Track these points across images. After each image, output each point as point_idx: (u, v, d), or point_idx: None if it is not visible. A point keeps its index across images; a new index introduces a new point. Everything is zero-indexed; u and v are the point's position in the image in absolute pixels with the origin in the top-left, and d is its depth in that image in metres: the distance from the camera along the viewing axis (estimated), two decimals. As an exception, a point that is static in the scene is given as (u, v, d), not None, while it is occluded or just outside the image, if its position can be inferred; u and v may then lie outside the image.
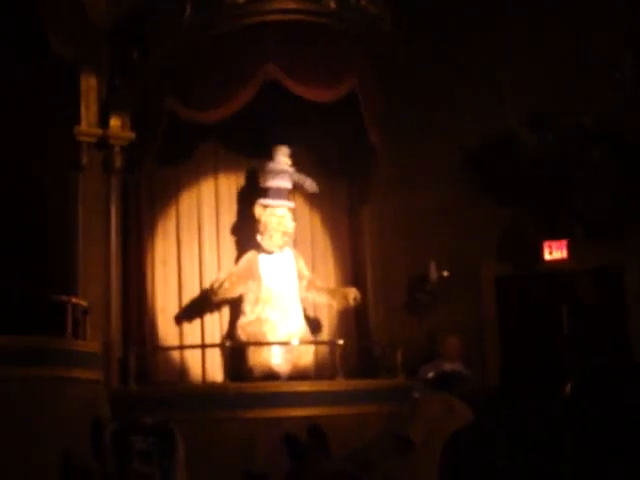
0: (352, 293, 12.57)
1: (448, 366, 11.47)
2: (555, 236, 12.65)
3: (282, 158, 12.61)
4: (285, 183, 12.62)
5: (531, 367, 12.04)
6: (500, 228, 12.90)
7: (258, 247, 12.48)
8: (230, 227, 13.04)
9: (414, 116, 13.05)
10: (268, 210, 12.45)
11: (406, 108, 12.96)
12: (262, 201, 12.55)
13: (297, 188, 12.90)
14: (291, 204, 12.74)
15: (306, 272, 12.77)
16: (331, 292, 12.78)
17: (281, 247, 12.47)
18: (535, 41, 12.79)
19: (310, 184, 12.79)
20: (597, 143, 12.24)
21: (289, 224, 12.54)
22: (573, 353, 12.02)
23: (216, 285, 12.06)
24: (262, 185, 12.65)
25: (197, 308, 12.62)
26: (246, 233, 12.75)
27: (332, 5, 11.60)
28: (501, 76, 12.87)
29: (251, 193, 12.96)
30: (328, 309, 13.20)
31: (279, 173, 12.58)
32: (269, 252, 12.45)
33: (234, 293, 12.27)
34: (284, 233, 12.45)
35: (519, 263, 12.82)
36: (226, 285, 12.07)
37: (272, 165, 12.59)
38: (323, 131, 12.88)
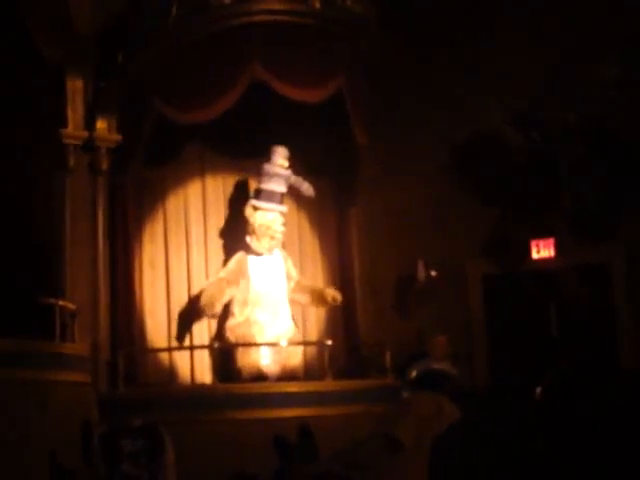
0: (330, 294, 12.56)
1: (436, 365, 11.47)
2: (542, 234, 12.67)
3: (279, 160, 12.52)
4: (280, 187, 12.54)
5: (519, 366, 12.05)
6: (487, 227, 12.91)
7: (247, 248, 12.47)
8: (218, 229, 13.03)
9: (400, 116, 13.06)
10: (259, 212, 12.41)
11: (392, 108, 12.97)
12: (254, 202, 12.50)
13: (292, 191, 12.84)
14: (283, 208, 12.67)
15: (294, 274, 12.77)
16: (312, 292, 12.77)
17: (269, 250, 12.45)
18: (520, 40, 12.80)
19: (307, 188, 12.68)
20: (582, 141, 12.27)
21: (278, 228, 12.48)
22: (561, 351, 12.04)
23: (206, 302, 12.09)
24: (256, 186, 12.62)
25: (185, 310, 12.61)
26: (234, 235, 12.74)
27: (317, 5, 11.61)
28: (486, 75, 12.88)
29: (240, 195, 12.96)
30: (316, 310, 13.22)
31: (275, 176, 12.51)
32: (258, 254, 12.44)
33: (224, 300, 12.27)
34: (272, 237, 12.40)
35: (506, 262, 12.84)
36: (217, 307, 12.13)
37: (268, 167, 12.50)
38: (309, 132, 12.88)
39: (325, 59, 11.90)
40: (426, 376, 6.84)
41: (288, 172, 12.56)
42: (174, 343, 12.48)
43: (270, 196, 12.47)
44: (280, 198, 12.59)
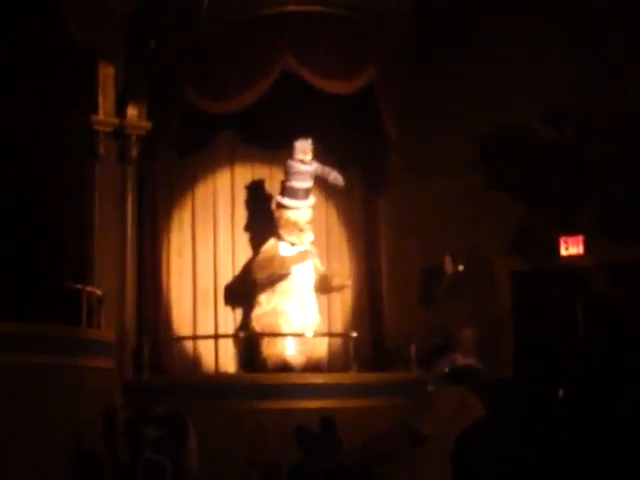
0: (344, 280, 12.56)
1: (461, 360, 11.43)
2: (572, 231, 12.59)
3: (300, 155, 12.46)
4: (305, 183, 12.50)
5: (545, 362, 11.99)
6: (517, 222, 12.84)
7: (279, 236, 12.45)
8: (245, 218, 13.04)
9: (432, 108, 13.01)
10: (286, 210, 12.39)
11: (423, 99, 12.92)
12: (280, 200, 12.49)
13: (321, 181, 12.80)
14: (310, 202, 12.61)
15: (319, 266, 12.74)
16: (324, 279, 12.68)
17: (301, 242, 12.43)
18: (554, 35, 12.72)
19: (335, 177, 12.61)
20: (614, 139, 12.18)
21: (306, 224, 12.47)
22: (588, 348, 11.96)
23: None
24: (282, 183, 12.60)
25: (211, 298, 12.64)
26: (262, 224, 12.74)
27: (350, -4, 11.59)
28: (519, 71, 12.81)
29: (268, 185, 12.96)
30: (342, 302, 13.21)
31: (298, 173, 12.48)
32: (290, 242, 12.42)
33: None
34: (300, 230, 12.39)
35: (535, 258, 12.77)
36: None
37: (291, 164, 12.46)
38: (338, 123, 12.86)
39: (357, 51, 11.86)
40: (456, 371, 6.81)
41: (312, 165, 12.50)
42: (199, 331, 12.49)
43: (295, 193, 12.43)
44: (305, 193, 12.54)
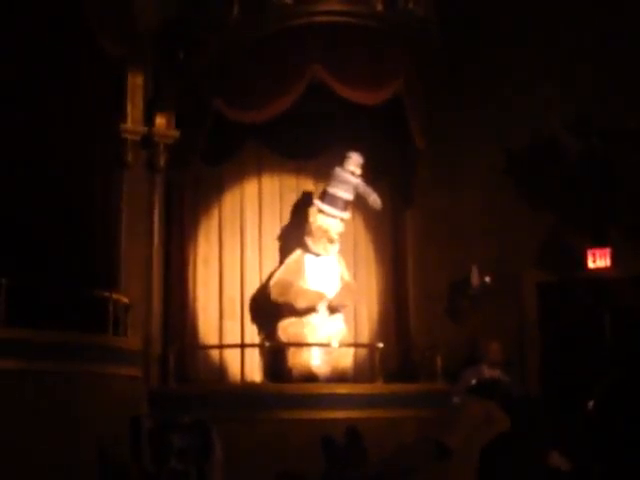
0: (335, 298, 12.52)
1: (488, 372, 11.40)
2: (599, 244, 12.53)
3: (351, 166, 12.48)
4: (347, 194, 12.51)
5: (572, 376, 11.93)
6: (543, 234, 12.80)
7: (305, 247, 12.47)
8: (273, 229, 13.05)
9: (459, 119, 13.00)
10: (322, 216, 12.40)
11: (452, 112, 12.90)
12: (320, 205, 12.49)
13: (359, 200, 12.75)
14: (346, 215, 12.64)
15: (346, 276, 12.74)
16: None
17: (327, 252, 12.44)
18: (581, 44, 12.69)
19: (374, 199, 12.49)
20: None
21: (336, 234, 12.48)
22: (616, 362, 11.89)
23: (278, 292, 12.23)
24: (325, 189, 12.62)
25: (238, 307, 12.66)
26: (289, 235, 12.76)
27: (379, 7, 11.57)
28: (545, 80, 12.78)
29: (295, 196, 12.97)
30: (368, 312, 13.20)
31: (344, 182, 12.47)
32: (315, 254, 12.43)
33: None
34: (329, 240, 12.41)
35: (562, 270, 12.71)
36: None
37: (340, 172, 12.47)
38: (366, 133, 12.86)
39: (385, 61, 11.85)
40: (479, 383, 6.81)
41: (358, 180, 12.50)
42: (225, 340, 12.51)
43: (335, 201, 12.45)
44: (344, 205, 12.55)
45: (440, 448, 5.22)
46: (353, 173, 12.47)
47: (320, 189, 12.91)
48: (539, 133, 12.74)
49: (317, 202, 12.53)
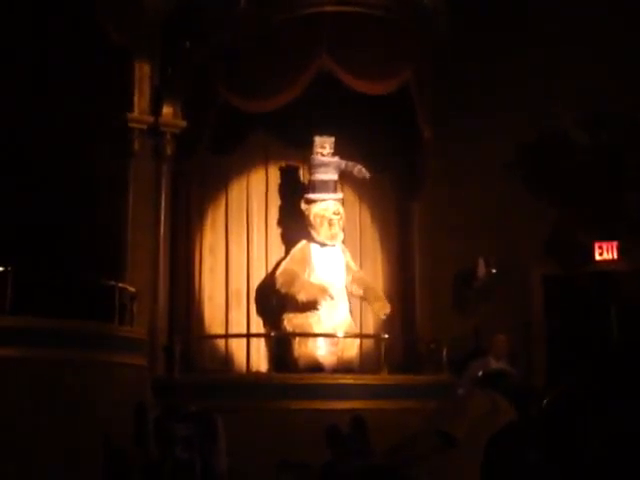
0: (384, 309, 12.46)
1: (494, 364, 11.39)
2: (606, 237, 12.51)
3: (319, 149, 12.53)
4: (330, 175, 12.55)
5: (577, 367, 11.90)
6: (551, 227, 12.78)
7: (310, 237, 12.46)
8: (279, 217, 13.04)
9: (467, 113, 12.97)
10: (314, 205, 12.42)
11: (460, 103, 12.88)
12: (307, 196, 12.54)
13: (346, 177, 12.84)
14: (338, 195, 12.68)
15: (353, 266, 12.73)
16: (366, 289, 12.64)
17: (331, 238, 12.41)
18: (591, 40, 12.65)
19: (359, 170, 12.63)
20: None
21: (334, 215, 12.46)
22: (621, 354, 11.85)
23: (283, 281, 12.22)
24: (309, 179, 12.63)
25: (244, 297, 12.66)
26: (295, 224, 12.74)
27: (388, -3, 11.56)
28: (554, 74, 12.74)
29: (301, 184, 12.96)
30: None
31: (323, 165, 12.53)
32: (321, 244, 12.43)
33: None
34: (330, 224, 12.38)
35: (569, 263, 12.69)
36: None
37: (315, 158, 12.54)
38: (373, 123, 12.84)
39: (393, 52, 11.83)
40: (485, 374, 6.79)
41: (335, 159, 12.55)
42: (231, 330, 12.51)
43: (322, 186, 12.48)
44: (334, 186, 12.58)
45: (445, 438, 5.20)
46: (324, 154, 12.49)
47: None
48: (548, 127, 12.71)
49: (306, 195, 12.54)
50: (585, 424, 2.35)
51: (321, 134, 12.59)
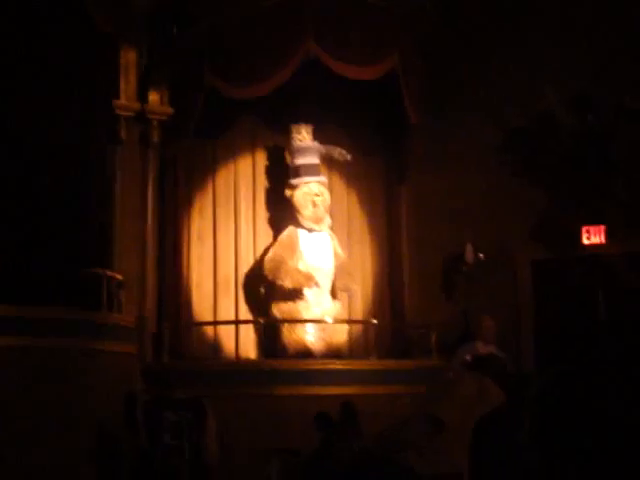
0: (339, 281, 12.50)
1: (482, 349, 11.41)
2: (593, 221, 12.52)
3: (298, 135, 12.55)
4: (312, 159, 12.53)
5: (566, 351, 11.95)
6: (538, 211, 12.78)
7: (297, 223, 12.44)
8: (266, 204, 13.02)
9: (455, 96, 12.95)
10: (297, 189, 12.40)
11: (447, 87, 12.86)
12: (291, 181, 12.51)
13: (328, 161, 12.85)
14: (322, 178, 12.65)
15: (340, 252, 12.71)
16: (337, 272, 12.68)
17: (316, 221, 12.38)
18: (577, 23, 12.65)
19: (339, 153, 12.64)
20: (637, 125, 12.09)
21: (320, 197, 12.44)
22: (609, 338, 11.91)
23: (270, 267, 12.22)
24: (290, 165, 12.61)
25: (232, 284, 12.65)
26: (283, 210, 12.71)
27: (375, -18, 11.53)
28: (541, 56, 12.73)
29: (288, 170, 12.95)
30: (363, 288, 13.20)
31: (302, 150, 12.52)
32: (308, 229, 12.41)
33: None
34: (314, 204, 12.34)
35: (556, 247, 12.70)
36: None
37: (295, 144, 12.55)
38: (360, 108, 12.84)
39: (379, 37, 11.82)
40: (474, 359, 6.81)
41: (315, 144, 12.55)
42: (220, 317, 12.50)
43: (304, 170, 12.45)
44: (315, 169, 12.57)
45: (434, 422, 5.22)
46: (302, 140, 12.52)
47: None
48: (535, 111, 12.70)
49: (289, 180, 12.52)
50: (574, 408, 2.34)
51: (307, 119, 12.58)
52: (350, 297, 12.81)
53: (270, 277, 12.20)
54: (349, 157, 12.68)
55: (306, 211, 12.31)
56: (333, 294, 12.41)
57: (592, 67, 12.43)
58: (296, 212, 12.38)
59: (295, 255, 12.27)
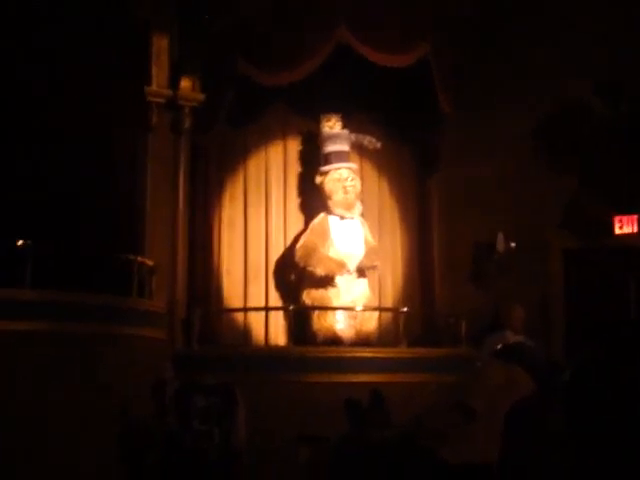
0: (365, 259, 12.49)
1: (512, 338, 11.36)
2: (626, 210, 12.45)
3: (328, 124, 12.61)
4: (342, 146, 12.55)
5: (596, 341, 11.87)
6: (571, 200, 12.72)
7: (328, 210, 12.44)
8: (297, 191, 13.03)
9: (487, 85, 12.90)
10: (328, 175, 12.41)
11: (479, 76, 12.81)
12: (321, 168, 12.53)
13: (359, 149, 12.87)
14: (351, 165, 12.65)
15: (371, 240, 12.70)
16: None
17: (348, 207, 12.38)
18: (613, 8, 12.55)
19: (369, 141, 12.72)
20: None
21: (351, 182, 12.46)
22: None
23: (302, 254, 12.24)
24: (321, 152, 12.61)
25: (262, 271, 12.67)
26: (313, 197, 12.72)
27: (408, -31, 11.50)
28: (574, 44, 12.65)
29: (319, 157, 12.94)
30: (392, 277, 13.19)
31: (333, 137, 12.53)
32: (339, 216, 12.41)
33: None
34: (345, 190, 12.35)
35: (588, 236, 12.64)
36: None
37: (324, 131, 12.59)
38: (392, 96, 12.81)
39: (411, 24, 11.79)
40: (504, 348, 6.79)
41: (344, 132, 12.59)
42: (250, 304, 12.52)
43: (334, 157, 12.49)
44: (346, 156, 12.60)
45: (465, 411, 5.21)
46: (332, 128, 12.58)
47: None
48: (568, 99, 12.63)
49: (319, 168, 12.53)
50: (605, 395, 2.34)
51: (338, 107, 12.59)
52: (374, 273, 12.75)
53: (302, 264, 12.22)
54: (379, 145, 12.72)
55: (337, 197, 12.32)
56: (360, 273, 12.40)
57: (626, 55, 12.34)
58: (327, 199, 12.39)
59: (327, 242, 12.28)
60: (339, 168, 12.42)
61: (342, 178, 12.36)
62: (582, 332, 12.31)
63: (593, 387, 2.30)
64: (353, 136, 12.61)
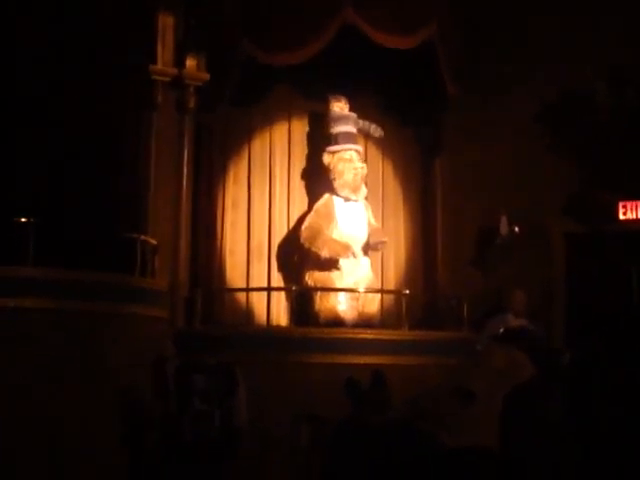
0: (372, 237, 12.49)
1: (514, 321, 11.38)
2: (631, 196, 12.43)
3: (336, 106, 12.60)
4: (350, 128, 12.56)
5: (597, 326, 11.89)
6: (575, 185, 12.71)
7: (333, 191, 12.43)
8: (301, 172, 13.01)
9: (491, 68, 12.87)
10: (336, 155, 12.40)
11: (485, 60, 12.78)
12: (329, 148, 12.50)
13: (363, 134, 12.87)
14: (358, 147, 12.64)
15: (373, 222, 12.70)
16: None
17: (355, 190, 12.37)
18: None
19: (374, 129, 12.76)
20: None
21: (359, 164, 12.45)
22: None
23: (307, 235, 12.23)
24: (328, 132, 12.59)
25: (265, 251, 12.67)
26: (318, 178, 12.71)
27: (413, -50, 11.46)
28: (581, 30, 12.61)
29: (324, 138, 12.92)
30: (395, 259, 13.19)
31: (342, 118, 12.53)
32: (344, 198, 12.40)
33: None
34: (355, 173, 12.35)
35: (592, 221, 12.63)
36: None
37: (333, 112, 12.57)
38: (397, 78, 12.78)
39: (417, 5, 11.74)
40: (505, 331, 6.79)
41: (354, 114, 12.60)
42: (252, 284, 12.53)
43: (344, 138, 12.48)
44: (354, 138, 12.59)
45: (464, 393, 5.22)
46: (341, 108, 12.59)
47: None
48: (572, 84, 12.60)
49: (328, 147, 12.51)
50: (605, 381, 2.34)
51: (343, 88, 12.57)
52: (378, 254, 12.76)
53: (307, 245, 12.21)
54: (382, 134, 12.79)
55: (346, 177, 12.29)
56: (364, 252, 12.40)
57: (629, 40, 12.31)
58: (333, 180, 12.37)
59: (331, 224, 12.27)
60: (349, 149, 12.41)
61: (350, 159, 12.36)
62: (583, 317, 12.33)
63: (594, 377, 2.30)
64: (360, 122, 12.63)
